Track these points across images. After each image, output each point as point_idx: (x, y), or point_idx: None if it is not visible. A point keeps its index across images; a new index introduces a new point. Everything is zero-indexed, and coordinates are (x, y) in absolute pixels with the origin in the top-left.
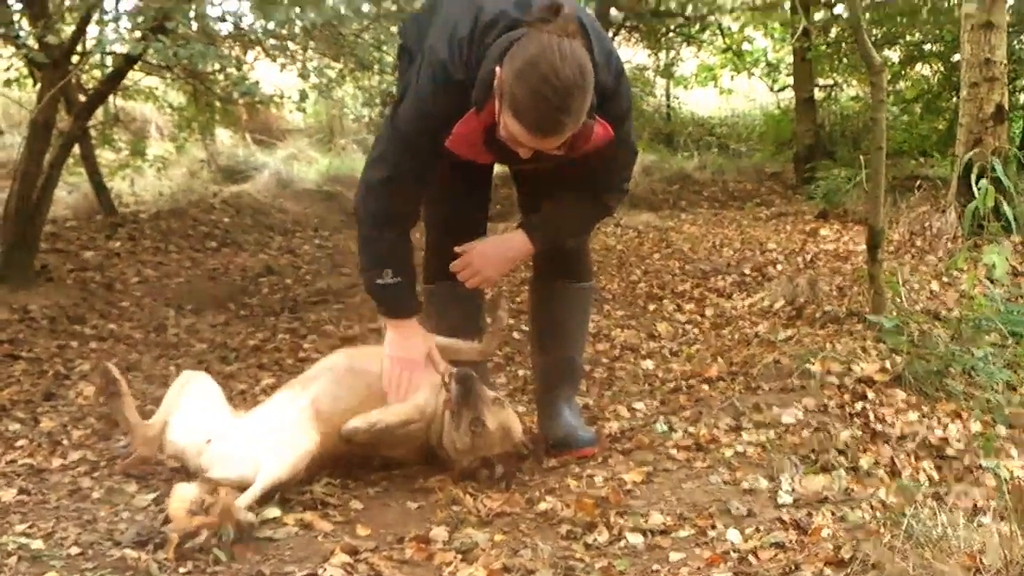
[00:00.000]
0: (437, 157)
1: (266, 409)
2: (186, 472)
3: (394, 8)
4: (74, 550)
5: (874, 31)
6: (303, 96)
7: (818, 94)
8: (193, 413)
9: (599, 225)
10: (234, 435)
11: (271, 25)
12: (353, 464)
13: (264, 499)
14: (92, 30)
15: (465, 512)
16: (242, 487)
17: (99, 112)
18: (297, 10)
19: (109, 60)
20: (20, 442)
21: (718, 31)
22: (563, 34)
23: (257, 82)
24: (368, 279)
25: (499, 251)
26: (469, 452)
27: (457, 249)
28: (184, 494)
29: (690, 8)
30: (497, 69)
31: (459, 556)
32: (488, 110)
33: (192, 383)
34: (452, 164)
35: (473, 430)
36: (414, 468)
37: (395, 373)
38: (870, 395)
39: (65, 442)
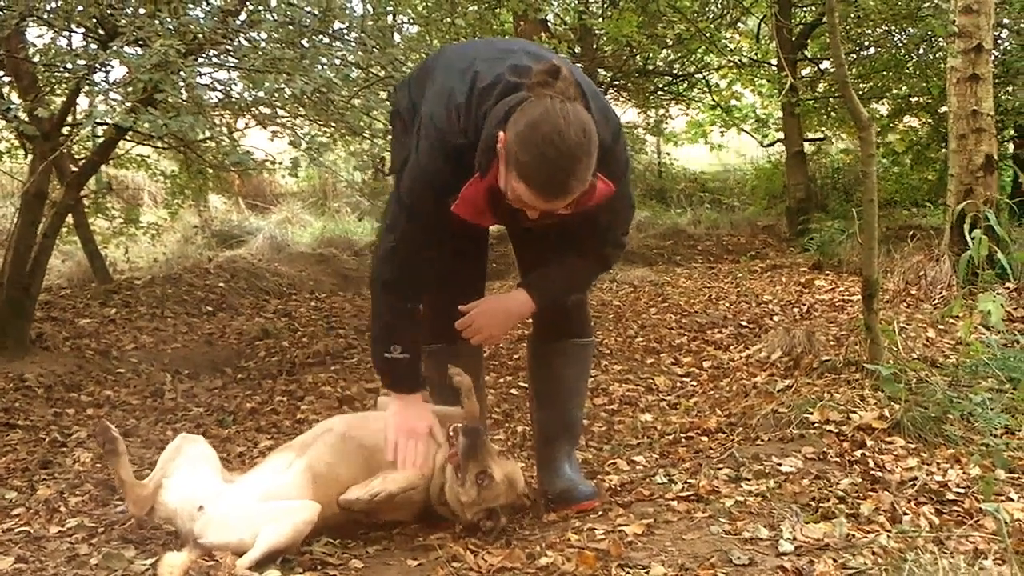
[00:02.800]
0: (442, 222)
1: (260, 473)
2: (179, 537)
3: (383, 74)
4: None
5: (861, 85)
6: (295, 163)
7: (808, 147)
8: (187, 477)
9: (595, 281)
10: (228, 500)
11: (260, 94)
12: (348, 527)
13: (262, 565)
14: (82, 100)
15: (466, 568)
16: (238, 553)
17: (92, 181)
18: (285, 78)
19: (100, 131)
20: (17, 510)
21: (706, 88)
22: (565, 97)
23: (248, 152)
24: (377, 351)
25: (502, 309)
26: (475, 505)
27: (462, 308)
28: (173, 561)
29: (677, 66)
30: (500, 134)
31: None
32: (492, 174)
33: (187, 446)
34: (446, 234)
35: (480, 483)
36: (413, 526)
37: (402, 443)
38: (869, 442)
39: (62, 509)
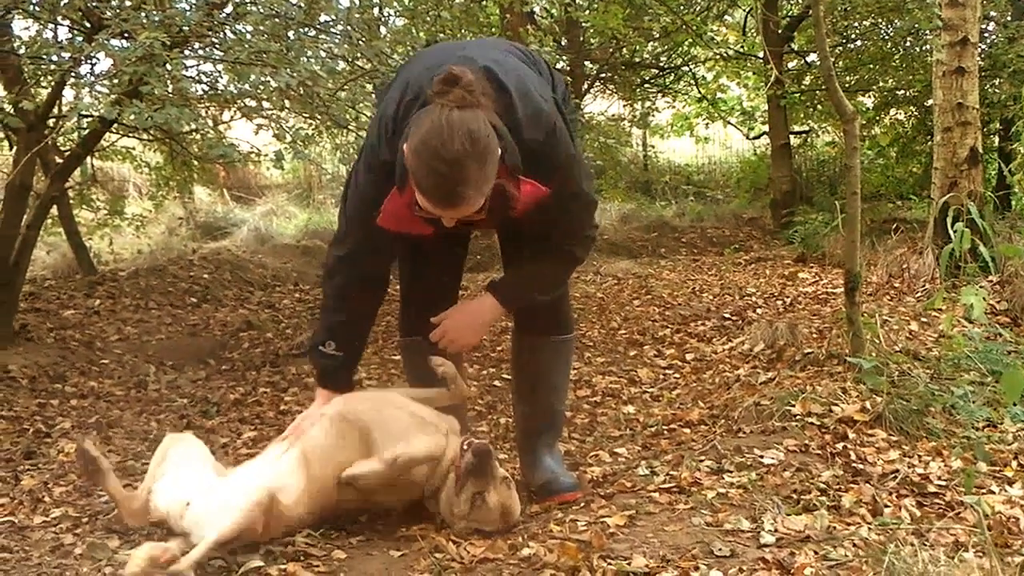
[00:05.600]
0: (388, 233)
1: (254, 464)
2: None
3: (368, 67)
4: None
5: (847, 77)
6: (279, 156)
7: (794, 140)
8: (175, 476)
9: (578, 273)
10: (216, 494)
11: (246, 86)
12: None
13: (213, 555)
14: (68, 93)
15: (448, 559)
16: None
17: (76, 172)
18: (271, 70)
19: (85, 123)
20: (1, 500)
21: (692, 81)
22: (460, 104)
23: (233, 144)
24: (313, 343)
25: (472, 318)
26: (463, 519)
27: (433, 320)
28: (142, 554)
29: (664, 59)
30: (404, 147)
31: None
32: (409, 187)
33: (175, 446)
34: (418, 246)
35: (474, 503)
36: (396, 517)
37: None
38: (851, 435)
39: (46, 499)
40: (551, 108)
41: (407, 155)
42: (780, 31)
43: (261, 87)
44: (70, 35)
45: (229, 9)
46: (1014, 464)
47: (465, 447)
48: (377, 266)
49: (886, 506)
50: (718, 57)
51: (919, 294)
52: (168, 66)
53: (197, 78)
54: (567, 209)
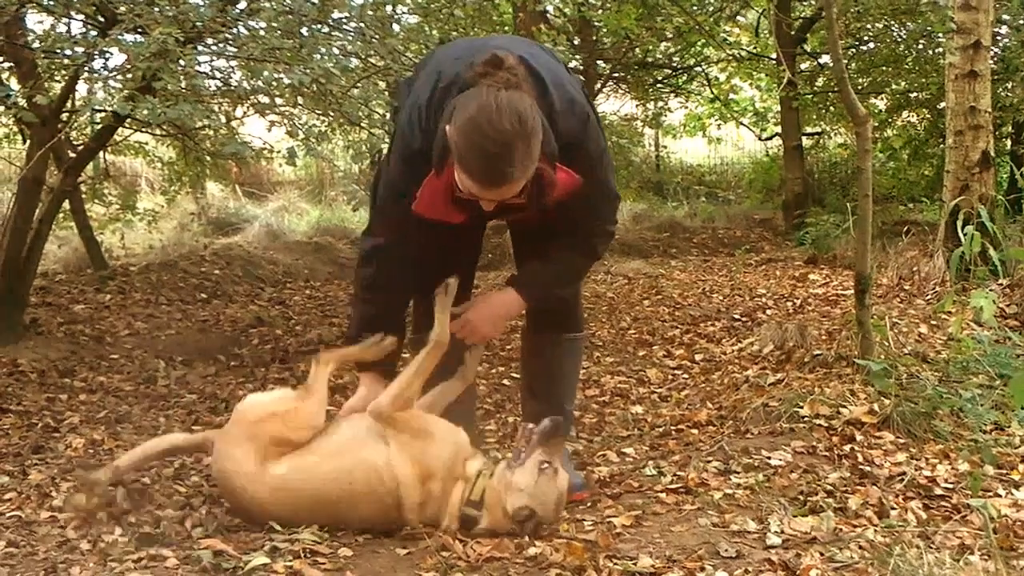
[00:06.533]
0: (418, 225)
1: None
2: None
3: (381, 64)
4: None
5: (860, 80)
6: (292, 153)
7: (806, 142)
8: None
9: (589, 272)
10: None
11: (259, 83)
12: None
13: None
14: (81, 87)
15: (455, 558)
16: None
17: (89, 167)
18: (284, 67)
19: (98, 118)
20: (8, 495)
21: (705, 81)
22: (505, 86)
23: (246, 141)
24: (350, 335)
25: (494, 310)
26: (520, 494)
27: (454, 310)
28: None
29: (676, 59)
30: (448, 128)
31: None
32: (448, 170)
33: None
34: (438, 239)
35: (542, 469)
36: None
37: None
38: (859, 437)
39: (54, 494)
40: (584, 100)
41: (452, 135)
42: (793, 32)
43: (274, 84)
44: (84, 30)
45: (243, 5)
46: (1021, 467)
47: (534, 427)
48: (405, 262)
49: (892, 508)
50: (731, 58)
51: (929, 297)
52: (181, 62)
53: (210, 74)
54: (593, 202)
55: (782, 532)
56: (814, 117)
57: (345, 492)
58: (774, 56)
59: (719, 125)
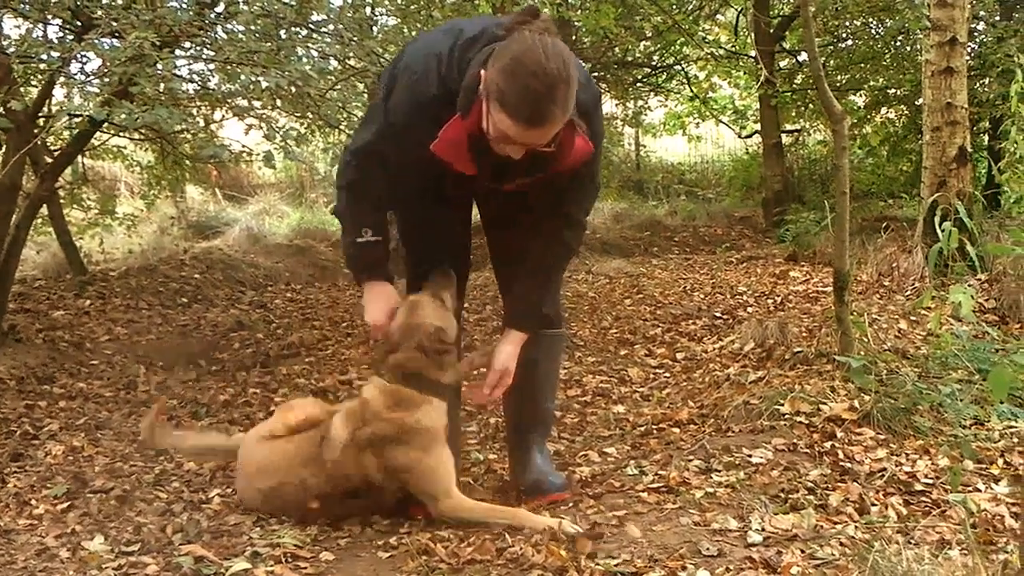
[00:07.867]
0: (402, 166)
1: None
2: None
3: (360, 66)
4: None
5: (839, 77)
6: (268, 156)
7: (785, 139)
8: None
9: (570, 272)
10: None
11: (236, 86)
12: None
13: None
14: (58, 92)
15: (436, 561)
16: None
17: (67, 171)
18: (261, 70)
19: (75, 122)
20: None
21: (684, 80)
22: (544, 32)
23: (224, 145)
24: (348, 242)
25: (515, 358)
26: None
27: (487, 369)
28: None
29: (656, 58)
30: (482, 72)
31: None
32: (474, 116)
33: None
34: (426, 214)
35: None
36: (384, 519)
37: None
38: (839, 434)
39: (33, 502)
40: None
41: (492, 77)
42: (771, 30)
43: (252, 87)
44: (60, 34)
45: (220, 8)
46: (1000, 462)
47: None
48: (381, 180)
49: (873, 504)
50: (710, 56)
51: (908, 292)
52: (158, 66)
53: (188, 78)
54: (583, 184)
55: (763, 530)
56: (793, 115)
57: None
58: (753, 54)
59: (698, 123)
